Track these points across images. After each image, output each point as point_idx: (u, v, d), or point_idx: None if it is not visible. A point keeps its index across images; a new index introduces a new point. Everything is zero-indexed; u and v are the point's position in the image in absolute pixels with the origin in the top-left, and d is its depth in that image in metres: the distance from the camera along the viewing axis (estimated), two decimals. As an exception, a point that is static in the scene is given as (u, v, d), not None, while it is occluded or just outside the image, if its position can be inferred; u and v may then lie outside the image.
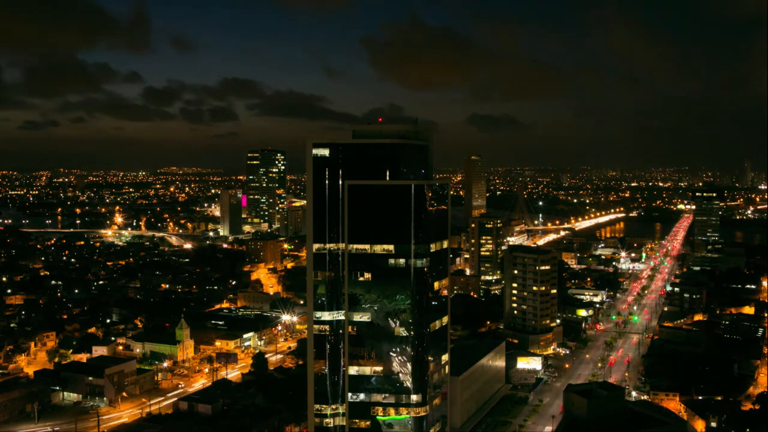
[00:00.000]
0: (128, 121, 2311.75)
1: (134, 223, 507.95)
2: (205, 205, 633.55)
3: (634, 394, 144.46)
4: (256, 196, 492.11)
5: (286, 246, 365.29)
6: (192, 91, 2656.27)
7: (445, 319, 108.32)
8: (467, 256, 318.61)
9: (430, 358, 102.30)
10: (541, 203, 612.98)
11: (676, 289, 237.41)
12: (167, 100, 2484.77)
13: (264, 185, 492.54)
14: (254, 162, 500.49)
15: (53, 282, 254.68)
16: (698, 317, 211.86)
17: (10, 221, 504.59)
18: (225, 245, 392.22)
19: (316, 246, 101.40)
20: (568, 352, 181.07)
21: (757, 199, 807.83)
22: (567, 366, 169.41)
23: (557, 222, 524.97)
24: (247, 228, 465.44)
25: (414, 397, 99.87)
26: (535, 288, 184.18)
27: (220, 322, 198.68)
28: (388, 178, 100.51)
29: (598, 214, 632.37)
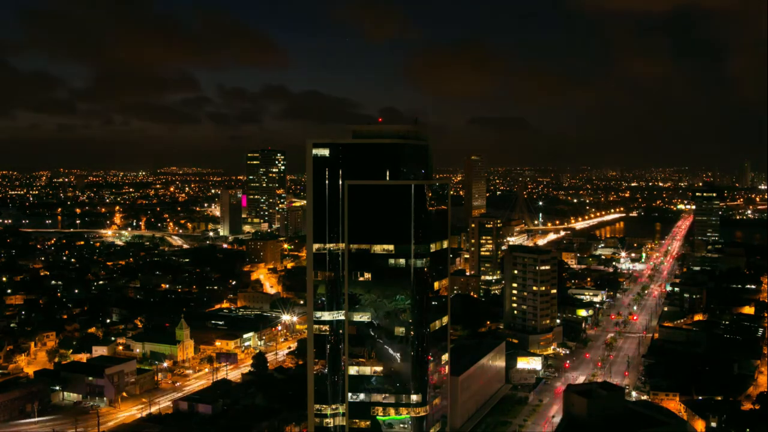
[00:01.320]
0: (156, 123, 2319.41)
1: (134, 223, 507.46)
2: (205, 205, 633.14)
3: (634, 394, 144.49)
4: (256, 196, 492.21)
5: (286, 246, 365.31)
6: (229, 94, 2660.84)
7: (445, 319, 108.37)
8: (467, 256, 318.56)
9: (430, 358, 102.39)
10: (541, 203, 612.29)
11: (676, 289, 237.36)
12: (200, 105, 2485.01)
13: (264, 185, 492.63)
14: (254, 162, 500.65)
15: (53, 282, 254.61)
16: (698, 317, 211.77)
17: (10, 221, 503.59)
18: (225, 245, 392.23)
19: (316, 246, 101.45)
20: (568, 352, 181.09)
21: (757, 199, 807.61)
22: (567, 365, 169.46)
23: (557, 222, 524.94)
24: (247, 228, 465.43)
25: (414, 397, 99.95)
26: (535, 288, 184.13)
27: (220, 322, 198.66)
28: (388, 178, 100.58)
29: (598, 214, 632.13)
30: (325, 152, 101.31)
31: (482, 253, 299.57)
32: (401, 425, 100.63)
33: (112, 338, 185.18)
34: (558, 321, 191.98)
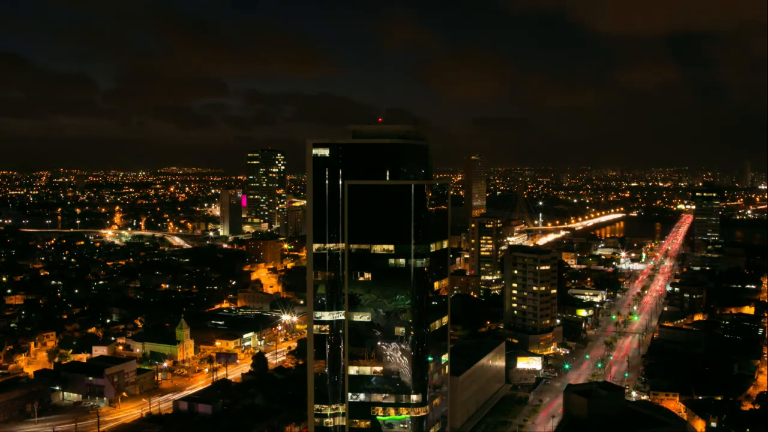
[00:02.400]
0: (176, 126, 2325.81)
1: (134, 223, 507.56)
2: (205, 205, 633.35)
3: (634, 394, 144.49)
4: (256, 196, 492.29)
5: (286, 246, 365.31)
6: (250, 98, 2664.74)
7: (445, 319, 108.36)
8: (467, 256, 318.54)
9: (430, 358, 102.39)
10: (541, 203, 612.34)
11: (676, 289, 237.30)
12: (219, 109, 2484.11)
13: (264, 185, 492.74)
14: (254, 162, 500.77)
15: (53, 282, 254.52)
16: (698, 317, 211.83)
17: (10, 221, 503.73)
18: (225, 245, 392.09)
19: (316, 246, 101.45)
20: (568, 352, 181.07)
21: (757, 199, 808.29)
22: (567, 365, 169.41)
23: (557, 222, 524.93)
24: (247, 228, 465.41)
25: (414, 397, 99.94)
26: (535, 288, 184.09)
27: (220, 322, 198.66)
28: (388, 178, 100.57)
29: (598, 214, 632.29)
30: (325, 152, 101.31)
31: (482, 253, 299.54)
32: (401, 425, 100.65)
33: (112, 338, 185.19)
34: (558, 321, 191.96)
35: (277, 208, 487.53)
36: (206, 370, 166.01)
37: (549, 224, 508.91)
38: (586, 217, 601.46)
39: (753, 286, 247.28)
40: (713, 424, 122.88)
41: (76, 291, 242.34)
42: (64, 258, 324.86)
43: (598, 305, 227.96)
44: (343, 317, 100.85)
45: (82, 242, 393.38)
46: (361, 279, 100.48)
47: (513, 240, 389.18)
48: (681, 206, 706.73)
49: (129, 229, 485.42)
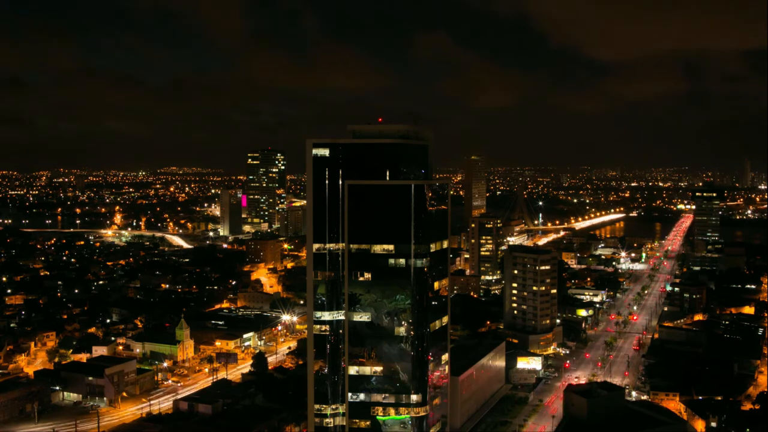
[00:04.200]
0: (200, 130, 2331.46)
1: (134, 223, 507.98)
2: (205, 205, 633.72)
3: (634, 394, 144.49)
4: (256, 196, 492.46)
5: (286, 246, 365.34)
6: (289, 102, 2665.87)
7: (445, 319, 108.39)
8: (467, 256, 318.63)
9: (430, 358, 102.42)
10: (541, 203, 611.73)
11: (676, 289, 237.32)
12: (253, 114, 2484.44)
13: (264, 185, 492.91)
14: (254, 162, 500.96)
15: (53, 282, 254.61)
16: (698, 317, 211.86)
17: (10, 221, 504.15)
18: (225, 245, 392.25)
19: (316, 246, 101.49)
20: (568, 352, 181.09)
21: (757, 199, 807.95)
22: (567, 365, 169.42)
23: (557, 222, 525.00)
24: (247, 228, 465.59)
25: (414, 397, 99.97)
26: (535, 288, 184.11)
27: (220, 322, 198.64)
28: (388, 178, 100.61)
29: (598, 214, 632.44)
30: (325, 152, 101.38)
31: (482, 253, 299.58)
32: (401, 425, 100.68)
33: (112, 338, 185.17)
34: (558, 321, 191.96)
35: (277, 208, 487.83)
36: (206, 370, 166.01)
37: (549, 224, 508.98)
38: (586, 217, 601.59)
39: (753, 286, 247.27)
40: (713, 424, 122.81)
41: (76, 291, 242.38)
42: (64, 258, 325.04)
43: (598, 305, 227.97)
44: (343, 317, 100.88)
45: (82, 242, 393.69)
46: (361, 279, 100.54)
47: (513, 240, 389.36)
48: (681, 206, 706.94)
49: (129, 229, 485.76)
